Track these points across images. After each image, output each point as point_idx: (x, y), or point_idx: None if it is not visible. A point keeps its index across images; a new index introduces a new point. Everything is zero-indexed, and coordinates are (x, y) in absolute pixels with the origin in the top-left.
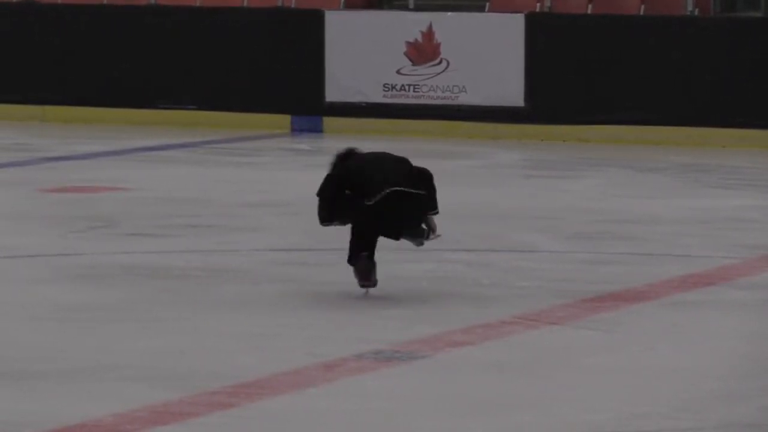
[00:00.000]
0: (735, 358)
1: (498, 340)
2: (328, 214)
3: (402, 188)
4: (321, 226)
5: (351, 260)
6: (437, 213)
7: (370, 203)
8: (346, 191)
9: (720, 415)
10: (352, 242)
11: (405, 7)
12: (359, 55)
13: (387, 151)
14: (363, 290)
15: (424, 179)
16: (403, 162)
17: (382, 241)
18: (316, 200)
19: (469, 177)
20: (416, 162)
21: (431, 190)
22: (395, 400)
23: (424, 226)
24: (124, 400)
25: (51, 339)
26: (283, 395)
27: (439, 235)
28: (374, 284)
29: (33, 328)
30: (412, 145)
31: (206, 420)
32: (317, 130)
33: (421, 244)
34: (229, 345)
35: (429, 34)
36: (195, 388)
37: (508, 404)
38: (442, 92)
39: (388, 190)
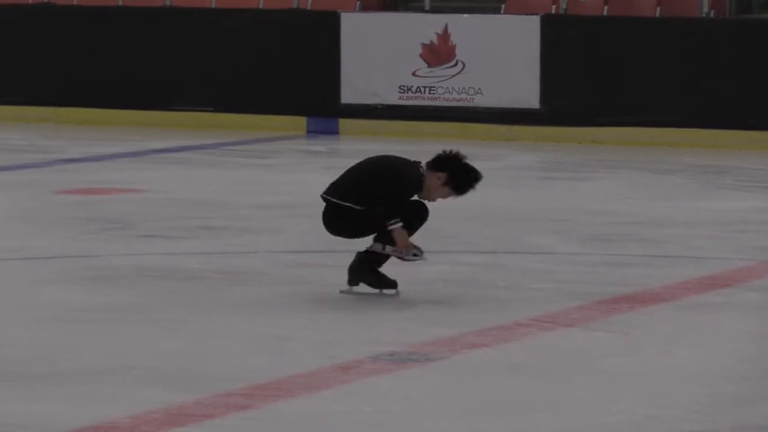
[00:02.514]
0: (750, 360)
1: (513, 342)
2: None
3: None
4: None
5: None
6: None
7: None
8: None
9: (734, 417)
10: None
11: (421, 9)
12: (375, 57)
13: (401, 153)
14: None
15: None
16: (359, 165)
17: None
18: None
19: (484, 179)
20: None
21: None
22: (411, 402)
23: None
24: (138, 402)
25: (64, 341)
26: (298, 397)
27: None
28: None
29: (46, 330)
30: (428, 146)
31: (222, 422)
32: (333, 131)
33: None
34: (244, 347)
35: (444, 35)
36: (210, 390)
37: (523, 406)
38: (458, 94)
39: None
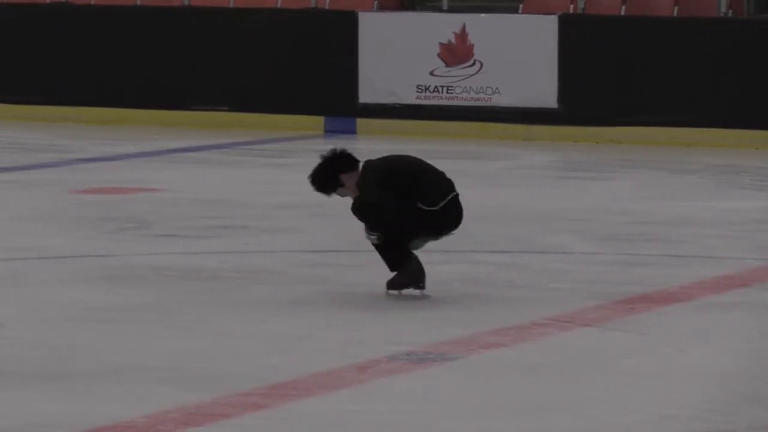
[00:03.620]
0: (766, 359)
1: (530, 341)
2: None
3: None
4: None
5: (400, 264)
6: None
7: (436, 208)
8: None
9: (750, 417)
10: (395, 247)
11: (438, 9)
12: (392, 57)
13: (418, 152)
14: (415, 292)
15: None
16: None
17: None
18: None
19: (502, 178)
20: (447, 163)
21: None
22: (427, 402)
23: None
24: (155, 402)
25: (81, 340)
26: (316, 397)
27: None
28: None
29: (62, 330)
30: (445, 146)
31: (239, 421)
32: (351, 131)
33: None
34: (261, 346)
35: (462, 35)
36: (227, 389)
37: (539, 406)
38: (476, 93)
39: (452, 194)
